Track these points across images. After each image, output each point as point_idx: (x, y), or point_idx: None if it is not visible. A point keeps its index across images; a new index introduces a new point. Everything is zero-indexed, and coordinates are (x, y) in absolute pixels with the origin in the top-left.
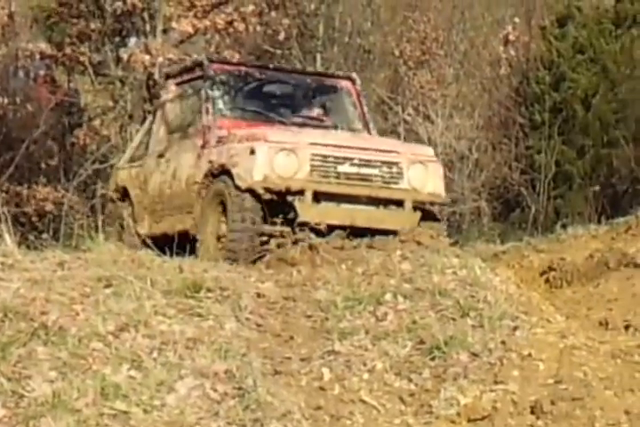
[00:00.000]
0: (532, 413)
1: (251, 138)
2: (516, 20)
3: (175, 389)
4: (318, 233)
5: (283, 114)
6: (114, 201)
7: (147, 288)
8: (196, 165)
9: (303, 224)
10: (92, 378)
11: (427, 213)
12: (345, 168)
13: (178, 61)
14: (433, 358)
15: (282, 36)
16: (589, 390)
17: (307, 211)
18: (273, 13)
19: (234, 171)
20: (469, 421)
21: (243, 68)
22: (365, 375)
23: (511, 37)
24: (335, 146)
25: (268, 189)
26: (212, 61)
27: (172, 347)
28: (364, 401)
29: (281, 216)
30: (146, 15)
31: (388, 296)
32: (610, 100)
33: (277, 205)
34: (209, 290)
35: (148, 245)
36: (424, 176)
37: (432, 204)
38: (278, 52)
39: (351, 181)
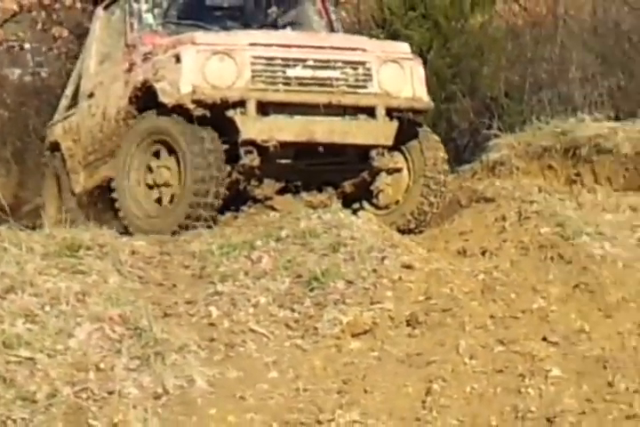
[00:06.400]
0: (409, 324)
1: (176, 44)
2: None
3: (74, 334)
4: (267, 155)
5: (229, 28)
6: (46, 164)
7: (24, 254)
8: (123, 95)
9: (248, 143)
10: None
11: (407, 123)
12: (296, 72)
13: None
14: (312, 289)
15: None
16: (457, 302)
17: (250, 126)
18: None
19: (157, 86)
20: (353, 336)
21: None
22: (251, 310)
23: None
24: (282, 45)
25: (199, 103)
26: None
27: (63, 300)
28: (253, 330)
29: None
30: None
31: (260, 242)
32: (444, 55)
33: (214, 125)
34: (88, 248)
35: (84, 207)
36: (399, 77)
37: (412, 110)
38: None
39: (305, 86)
